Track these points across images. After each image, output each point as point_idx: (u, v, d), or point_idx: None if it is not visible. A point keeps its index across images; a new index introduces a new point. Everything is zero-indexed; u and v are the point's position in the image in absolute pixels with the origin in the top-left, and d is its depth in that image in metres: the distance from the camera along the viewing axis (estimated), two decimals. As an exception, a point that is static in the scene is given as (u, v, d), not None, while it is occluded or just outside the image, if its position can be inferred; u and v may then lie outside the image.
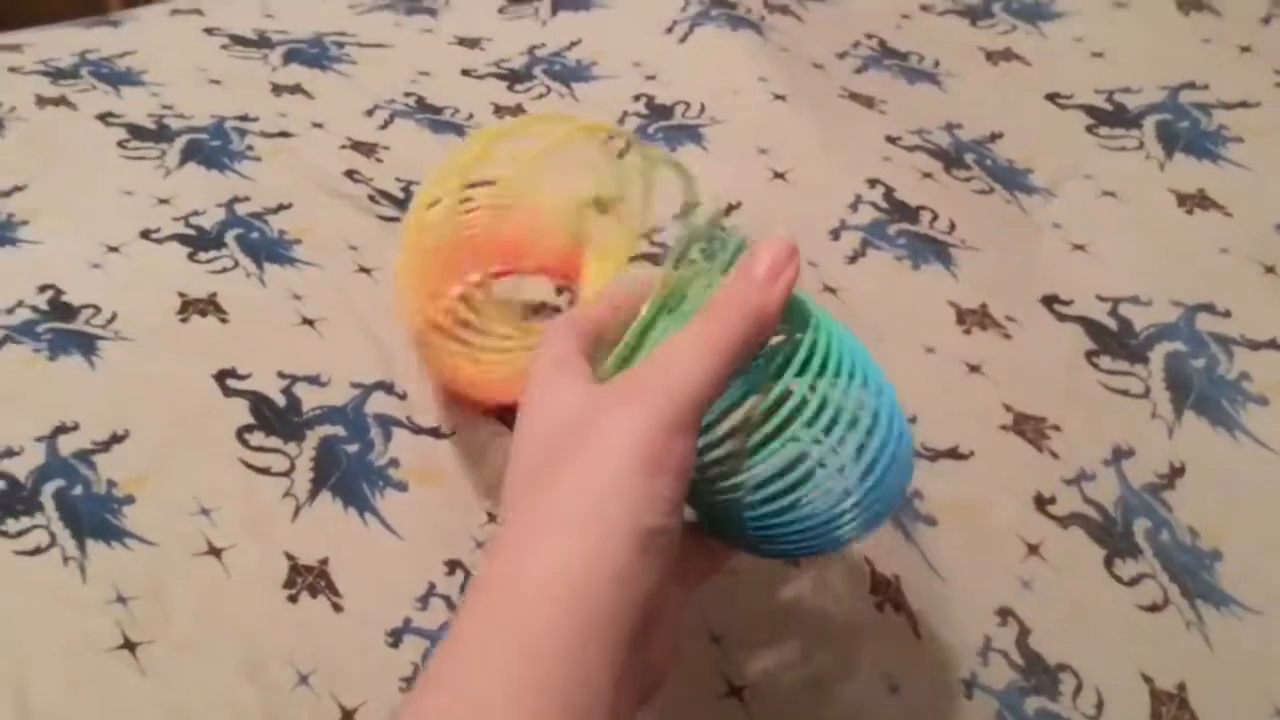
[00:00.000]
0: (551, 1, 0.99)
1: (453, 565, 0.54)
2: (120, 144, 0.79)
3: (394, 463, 0.58)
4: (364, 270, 0.69)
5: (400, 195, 0.76)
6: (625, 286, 0.44)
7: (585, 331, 0.42)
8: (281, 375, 0.62)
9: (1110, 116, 0.81)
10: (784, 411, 0.39)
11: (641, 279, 0.43)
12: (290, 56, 0.92)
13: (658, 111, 0.84)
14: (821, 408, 0.40)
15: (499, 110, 0.86)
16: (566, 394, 0.38)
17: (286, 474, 0.57)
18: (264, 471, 0.57)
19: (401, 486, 0.57)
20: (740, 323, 0.37)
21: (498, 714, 0.32)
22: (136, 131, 0.80)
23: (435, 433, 0.60)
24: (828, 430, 0.40)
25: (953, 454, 0.60)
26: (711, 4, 0.90)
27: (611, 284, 0.50)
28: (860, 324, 0.67)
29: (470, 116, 0.85)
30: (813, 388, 0.40)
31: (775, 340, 0.41)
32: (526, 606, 0.33)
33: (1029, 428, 0.61)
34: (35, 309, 0.65)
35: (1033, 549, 0.56)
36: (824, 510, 0.40)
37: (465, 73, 0.91)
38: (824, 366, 0.40)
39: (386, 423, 0.60)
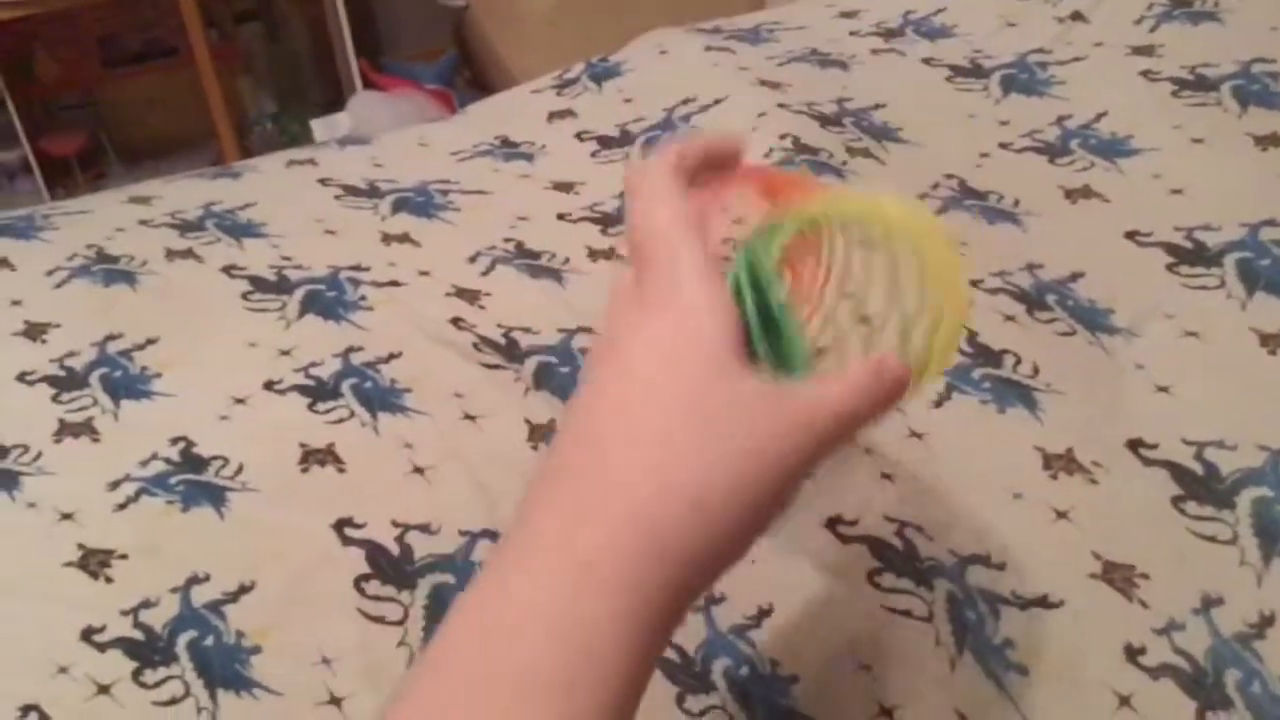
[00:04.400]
0: (641, 146, 1.04)
1: None
2: (244, 295, 0.85)
3: (501, 611, 0.61)
4: (469, 418, 0.73)
5: (502, 342, 0.80)
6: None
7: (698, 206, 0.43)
8: (395, 524, 0.66)
9: (1190, 254, 0.82)
10: None
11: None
12: (398, 205, 0.98)
13: (746, 255, 0.87)
14: None
15: (593, 254, 0.90)
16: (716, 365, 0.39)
17: (400, 623, 0.61)
18: (379, 620, 0.61)
19: (509, 635, 0.60)
20: (872, 412, 0.41)
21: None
22: (258, 283, 0.86)
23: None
24: None
25: (1042, 603, 0.61)
26: (794, 149, 0.94)
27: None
28: (946, 469, 0.69)
29: (566, 261, 0.90)
30: None
31: None
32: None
33: (1118, 576, 0.62)
34: (168, 461, 0.70)
35: (1124, 700, 0.57)
36: None
37: (561, 217, 0.96)
38: None
39: (493, 571, 0.64)
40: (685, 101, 1.08)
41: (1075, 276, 0.82)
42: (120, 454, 0.71)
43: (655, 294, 0.41)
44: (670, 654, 0.59)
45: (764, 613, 0.61)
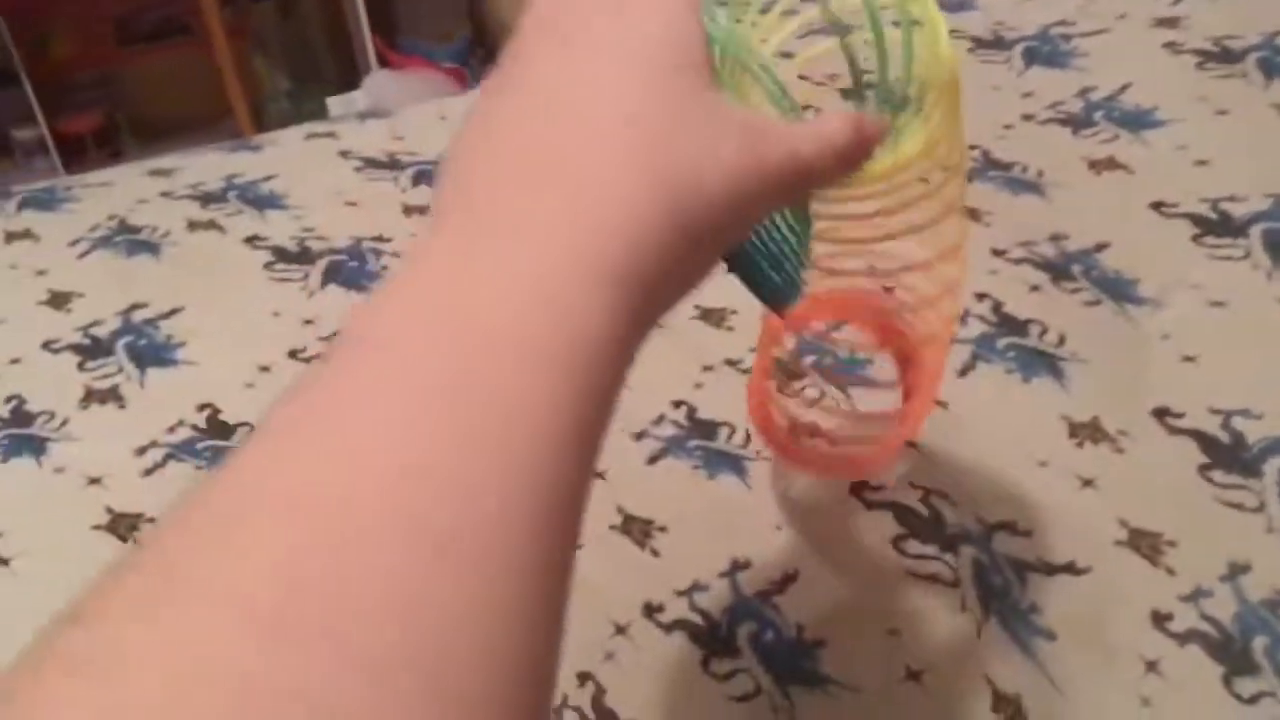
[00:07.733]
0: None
1: (583, 677, 0.57)
2: (266, 266, 0.85)
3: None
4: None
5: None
6: None
7: None
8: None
9: (1215, 225, 0.82)
10: None
11: None
12: (419, 178, 0.98)
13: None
14: None
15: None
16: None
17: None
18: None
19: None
20: (834, 164, 0.36)
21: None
22: (281, 254, 0.86)
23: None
24: None
25: (1069, 569, 0.61)
26: (818, 121, 0.94)
27: None
28: (972, 438, 0.69)
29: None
30: None
31: None
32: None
33: (1144, 543, 0.62)
34: (195, 427, 0.70)
35: (1151, 666, 0.57)
36: None
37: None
38: None
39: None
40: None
41: (1100, 247, 0.82)
42: (147, 420, 0.71)
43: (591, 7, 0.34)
44: (696, 618, 0.59)
45: (788, 578, 0.61)
